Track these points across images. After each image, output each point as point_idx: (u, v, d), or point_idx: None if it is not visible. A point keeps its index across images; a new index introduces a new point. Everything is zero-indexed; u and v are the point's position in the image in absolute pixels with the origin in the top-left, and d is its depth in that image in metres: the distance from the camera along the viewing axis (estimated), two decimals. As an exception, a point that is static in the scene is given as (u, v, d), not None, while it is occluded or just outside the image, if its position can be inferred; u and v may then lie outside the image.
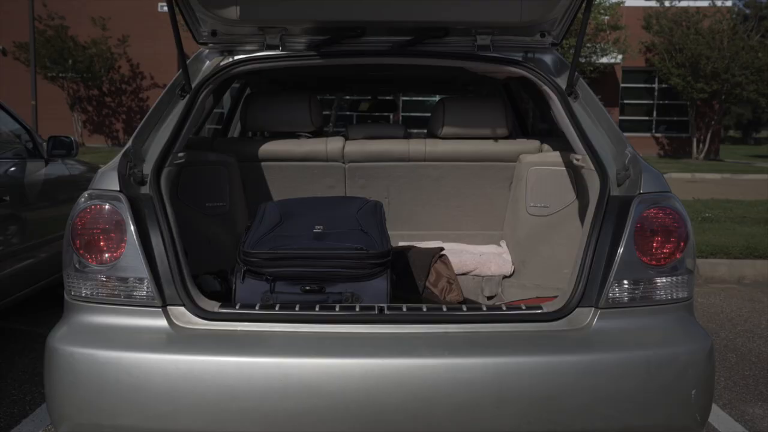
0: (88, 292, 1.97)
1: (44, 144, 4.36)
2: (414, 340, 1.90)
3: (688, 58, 22.18)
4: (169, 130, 2.33)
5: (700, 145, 23.44)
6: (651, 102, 25.49)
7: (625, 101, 25.18)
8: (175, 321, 1.94)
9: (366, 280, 2.17)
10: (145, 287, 1.94)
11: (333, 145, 3.00)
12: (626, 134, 2.34)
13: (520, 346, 1.91)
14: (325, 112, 3.64)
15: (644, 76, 25.07)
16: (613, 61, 22.87)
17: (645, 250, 2.00)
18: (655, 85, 25.00)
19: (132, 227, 1.96)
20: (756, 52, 21.65)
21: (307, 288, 2.16)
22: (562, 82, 2.52)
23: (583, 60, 21.55)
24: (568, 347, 1.90)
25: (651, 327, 1.99)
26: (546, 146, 3.08)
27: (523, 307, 2.05)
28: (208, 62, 2.64)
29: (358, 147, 3.01)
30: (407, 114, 22.93)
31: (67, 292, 2.02)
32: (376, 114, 6.80)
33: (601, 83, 23.24)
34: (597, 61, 22.39)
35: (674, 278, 2.02)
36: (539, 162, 2.96)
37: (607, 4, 21.24)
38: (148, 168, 2.16)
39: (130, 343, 1.87)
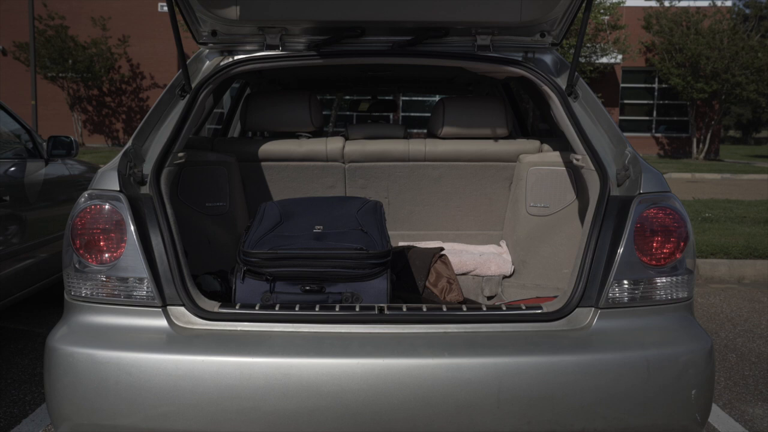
0: (88, 292, 1.97)
1: (44, 144, 4.36)
2: (414, 340, 1.90)
3: (688, 58, 22.19)
4: (169, 130, 2.33)
5: (700, 145, 23.45)
6: (651, 102, 25.50)
7: (625, 101, 25.18)
8: (175, 321, 1.94)
9: (366, 280, 2.17)
10: (145, 287, 1.94)
11: (333, 145, 3.00)
12: (626, 134, 2.34)
13: (520, 346, 1.91)
14: (325, 112, 3.64)
15: (644, 76, 25.07)
16: (613, 61, 22.88)
17: (645, 250, 2.00)
18: (655, 85, 25.01)
19: (132, 227, 1.96)
20: (756, 52, 21.65)
21: (307, 288, 2.16)
22: (562, 82, 2.52)
23: (583, 60, 21.56)
24: (568, 347, 1.90)
25: (651, 327, 1.99)
26: (546, 146, 3.08)
27: (523, 307, 2.05)
28: (208, 62, 2.64)
29: (358, 147, 3.02)
30: (407, 114, 22.94)
31: (66, 292, 2.02)
32: (376, 114, 6.80)
33: (601, 83, 23.25)
34: (597, 61, 22.40)
35: (674, 278, 2.02)
36: (539, 162, 2.96)
37: (608, 4, 21.25)
38: (148, 168, 2.16)
39: (129, 343, 1.87)
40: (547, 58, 2.66)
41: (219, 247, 2.92)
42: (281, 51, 2.62)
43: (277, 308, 1.98)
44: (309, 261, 2.14)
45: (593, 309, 1.97)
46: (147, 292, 1.94)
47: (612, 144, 2.31)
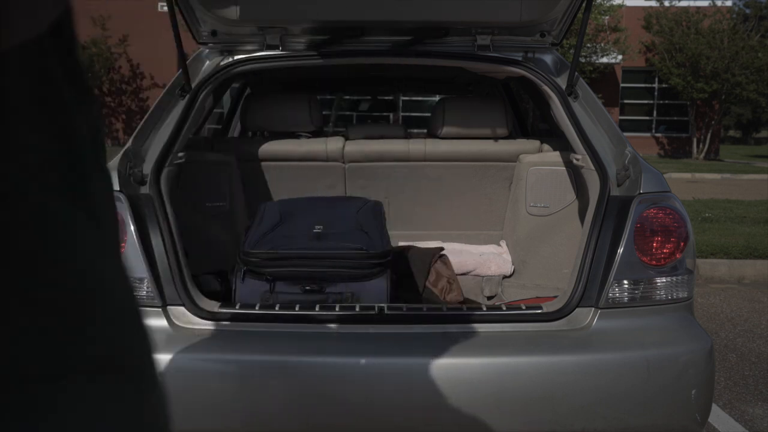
0: (88, 292, 1.96)
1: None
2: (414, 340, 1.90)
3: (688, 57, 22.20)
4: (169, 130, 2.33)
5: (700, 145, 23.45)
6: (651, 102, 25.50)
7: (625, 101, 25.18)
8: (175, 321, 1.94)
9: (366, 280, 2.17)
10: (145, 287, 1.94)
11: (333, 145, 3.00)
12: (626, 134, 2.34)
13: (520, 346, 1.91)
14: (324, 112, 3.64)
15: (644, 76, 25.07)
16: (613, 61, 22.89)
17: (645, 250, 2.00)
18: (655, 85, 25.01)
19: (132, 227, 1.96)
20: (756, 52, 21.66)
21: (307, 288, 2.16)
22: (562, 82, 2.52)
23: (583, 60, 21.56)
24: (568, 347, 1.90)
25: (651, 327, 1.99)
26: (546, 146, 3.08)
27: (523, 307, 2.05)
28: (208, 62, 2.64)
29: (358, 147, 3.02)
30: (407, 114, 22.93)
31: (67, 292, 2.02)
32: (376, 114, 6.81)
33: (601, 83, 23.24)
34: (597, 61, 22.41)
35: (674, 278, 2.02)
36: (539, 162, 2.96)
37: (607, 5, 21.25)
38: (148, 168, 2.16)
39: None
40: (547, 58, 2.66)
41: (219, 247, 2.92)
42: (281, 51, 2.62)
43: (277, 308, 1.98)
44: (309, 261, 2.14)
45: (593, 309, 1.98)
46: (147, 292, 1.94)
47: (612, 144, 2.31)
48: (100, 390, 0.42)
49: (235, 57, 2.62)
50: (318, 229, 2.28)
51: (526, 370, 1.83)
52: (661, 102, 25.42)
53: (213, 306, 2.00)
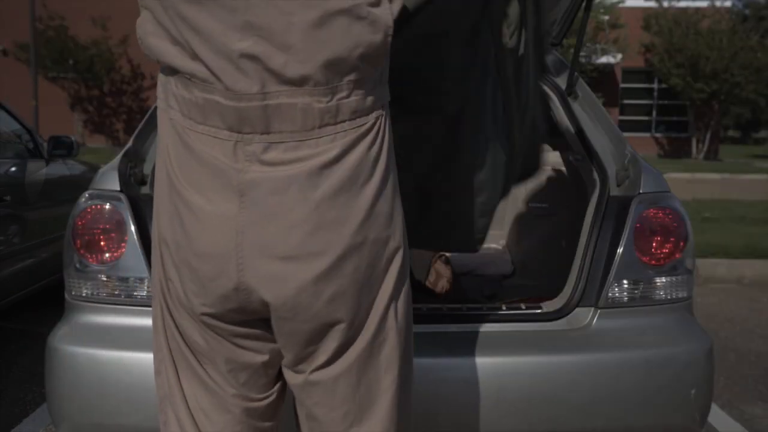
0: (89, 292, 1.97)
1: (45, 144, 4.36)
2: (414, 340, 1.90)
3: (688, 58, 22.19)
4: None
5: (700, 145, 23.44)
6: (650, 102, 25.49)
7: (625, 101, 25.17)
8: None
9: (366, 280, 2.16)
10: (145, 287, 1.94)
11: None
12: (626, 134, 2.35)
13: (520, 345, 1.91)
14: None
15: (644, 76, 25.06)
16: (612, 60, 22.88)
17: (644, 250, 2.01)
18: (655, 85, 25.00)
19: (132, 227, 1.96)
20: (755, 52, 21.66)
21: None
22: (561, 82, 2.52)
23: (582, 60, 21.56)
24: (567, 347, 1.90)
25: (651, 327, 1.99)
26: (546, 146, 3.08)
27: (523, 307, 2.06)
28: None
29: None
30: (407, 114, 22.85)
31: (67, 291, 2.02)
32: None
33: (601, 83, 23.24)
34: (596, 61, 22.40)
35: (674, 278, 2.03)
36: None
37: (608, 4, 21.24)
38: (148, 168, 2.16)
39: (131, 343, 1.87)
40: (547, 58, 2.66)
41: None
42: None
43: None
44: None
45: (593, 309, 1.98)
46: (148, 291, 1.94)
47: (612, 144, 2.31)
48: None
49: None
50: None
51: (525, 370, 1.83)
52: (661, 102, 25.41)
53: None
